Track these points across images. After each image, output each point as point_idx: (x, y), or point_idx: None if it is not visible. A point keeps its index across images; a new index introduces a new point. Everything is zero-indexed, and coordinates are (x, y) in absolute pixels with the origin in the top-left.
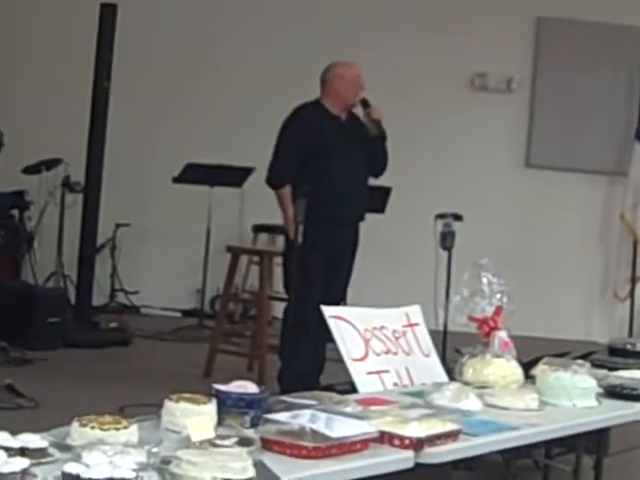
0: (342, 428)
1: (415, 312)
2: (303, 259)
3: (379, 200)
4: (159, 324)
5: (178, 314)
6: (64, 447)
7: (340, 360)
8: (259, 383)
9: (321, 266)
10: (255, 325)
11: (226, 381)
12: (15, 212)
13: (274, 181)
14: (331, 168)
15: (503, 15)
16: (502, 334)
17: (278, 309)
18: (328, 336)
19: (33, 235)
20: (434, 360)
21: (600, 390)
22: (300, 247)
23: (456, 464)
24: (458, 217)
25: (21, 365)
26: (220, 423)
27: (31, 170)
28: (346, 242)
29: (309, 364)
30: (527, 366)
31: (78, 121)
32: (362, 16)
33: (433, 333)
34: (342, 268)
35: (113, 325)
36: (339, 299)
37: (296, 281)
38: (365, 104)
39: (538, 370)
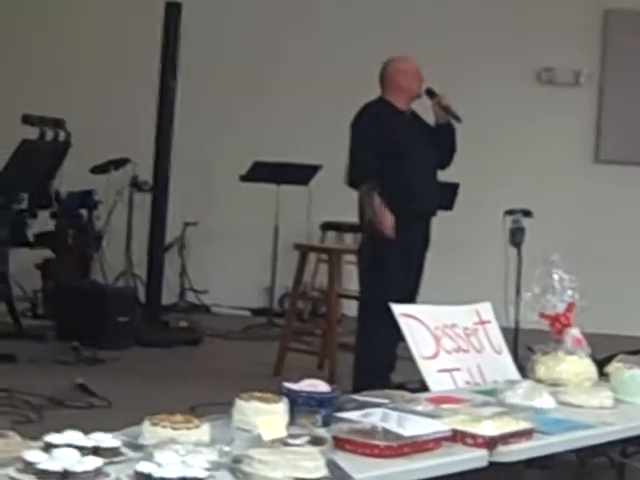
0: (414, 427)
1: (486, 309)
2: (381, 256)
3: (447, 197)
4: (229, 323)
5: (247, 313)
6: (136, 446)
7: (411, 358)
8: (330, 382)
9: (399, 262)
10: (325, 323)
11: (296, 380)
12: (84, 212)
13: (358, 179)
14: (406, 163)
15: (570, 8)
16: (574, 331)
17: (347, 307)
18: (399, 334)
19: (102, 234)
20: (506, 358)
21: None
22: (376, 244)
23: (529, 463)
24: (527, 213)
25: (92, 365)
26: (291, 422)
27: (99, 170)
28: (419, 238)
29: (382, 363)
30: (601, 363)
31: (145, 120)
32: (425, 12)
33: (504, 330)
34: (415, 264)
35: (183, 324)
36: (413, 296)
37: (375, 278)
38: (431, 93)
39: (612, 367)
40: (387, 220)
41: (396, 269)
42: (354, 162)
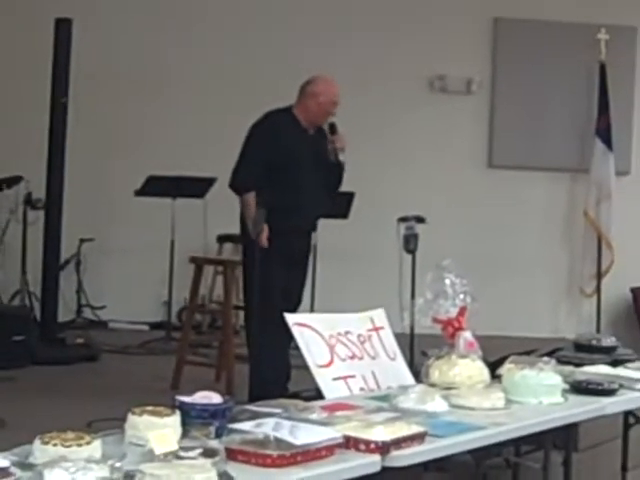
0: (306, 435)
1: (380, 316)
2: (263, 266)
3: (342, 205)
4: (127, 338)
5: (146, 327)
6: (26, 466)
7: (306, 367)
8: (227, 393)
9: (280, 273)
10: (222, 335)
11: (194, 392)
12: None
13: (239, 186)
14: (294, 179)
15: (461, 16)
16: (467, 334)
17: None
18: (286, 341)
19: None
20: (400, 363)
21: (566, 386)
22: (260, 255)
23: (427, 466)
24: (421, 220)
25: None
26: (185, 435)
27: None
28: (301, 250)
29: (275, 371)
30: (493, 366)
31: (37, 138)
32: (323, 17)
33: (399, 336)
34: (297, 276)
35: (80, 341)
36: (296, 306)
37: (257, 289)
38: (332, 129)
39: (504, 369)
40: (263, 232)
41: (276, 279)
42: (241, 168)
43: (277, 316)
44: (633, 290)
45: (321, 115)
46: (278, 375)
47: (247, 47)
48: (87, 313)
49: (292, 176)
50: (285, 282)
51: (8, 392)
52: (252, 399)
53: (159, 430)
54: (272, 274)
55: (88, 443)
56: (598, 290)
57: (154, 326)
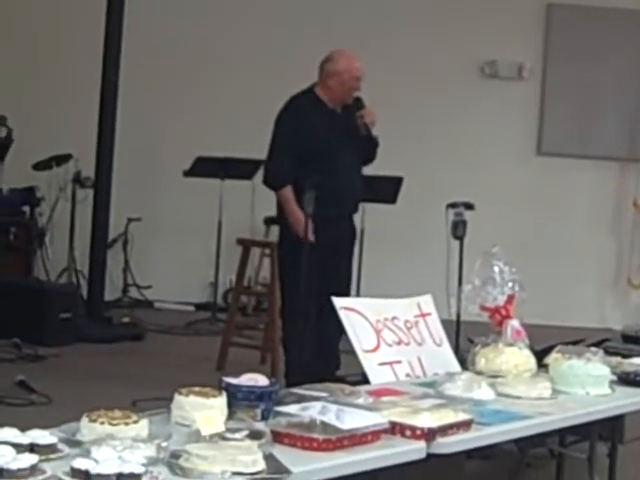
0: (352, 420)
1: (427, 302)
2: (297, 255)
3: (390, 190)
4: (172, 318)
5: (191, 308)
6: (74, 443)
7: (353, 352)
8: (272, 375)
9: (315, 260)
10: (267, 317)
11: (239, 374)
12: (26, 208)
13: (273, 182)
14: (328, 163)
15: (513, 2)
16: (514, 323)
17: None
18: (340, 328)
19: (45, 231)
20: (446, 350)
21: (614, 377)
22: (293, 243)
23: (470, 453)
24: (469, 206)
25: (34, 362)
26: (231, 416)
27: (41, 166)
28: (344, 236)
29: (311, 355)
30: (540, 354)
31: (88, 116)
32: (370, 3)
33: (445, 323)
34: (341, 262)
35: (126, 320)
36: (343, 294)
37: (288, 275)
38: (358, 104)
39: (551, 358)
40: (300, 223)
41: (311, 269)
42: (272, 163)
43: (311, 302)
44: None
45: (345, 93)
46: (311, 360)
47: (294, 28)
48: (133, 292)
49: (326, 161)
50: (328, 271)
51: (54, 370)
52: (289, 383)
53: (206, 411)
54: (304, 261)
55: (135, 422)
56: None
57: (200, 307)
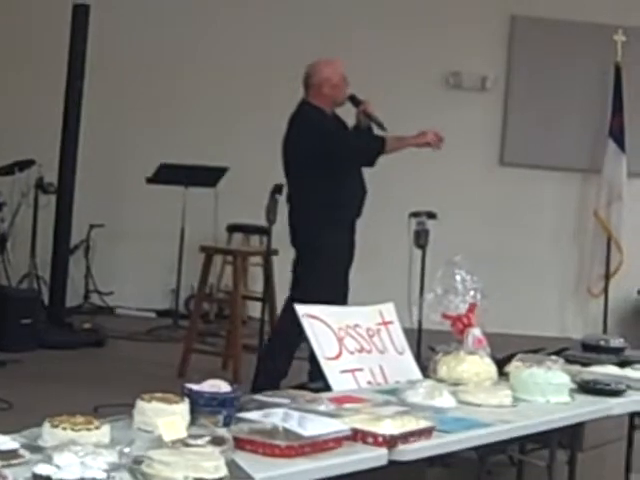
0: (315, 426)
1: (389, 310)
2: (323, 262)
3: None
4: (134, 324)
5: (153, 314)
6: (35, 448)
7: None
8: (234, 382)
9: (341, 270)
10: (229, 324)
11: (201, 381)
12: None
13: (376, 146)
14: (341, 169)
15: (477, 14)
16: (476, 331)
17: (253, 309)
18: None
19: (6, 237)
20: (408, 358)
21: (574, 386)
22: (316, 252)
23: (431, 461)
24: (432, 215)
25: None
26: (193, 422)
27: (4, 171)
28: (348, 244)
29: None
30: (501, 363)
31: (51, 122)
32: (337, 14)
33: (407, 331)
34: (348, 267)
35: (87, 326)
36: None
37: (315, 285)
38: (355, 101)
39: (512, 367)
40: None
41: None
42: (346, 139)
43: None
44: None
45: (341, 94)
46: (285, 369)
47: (264, 38)
48: (95, 299)
49: (339, 169)
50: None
51: (15, 375)
52: (255, 389)
53: (168, 417)
54: (330, 275)
55: (97, 428)
56: (606, 291)
57: (161, 313)
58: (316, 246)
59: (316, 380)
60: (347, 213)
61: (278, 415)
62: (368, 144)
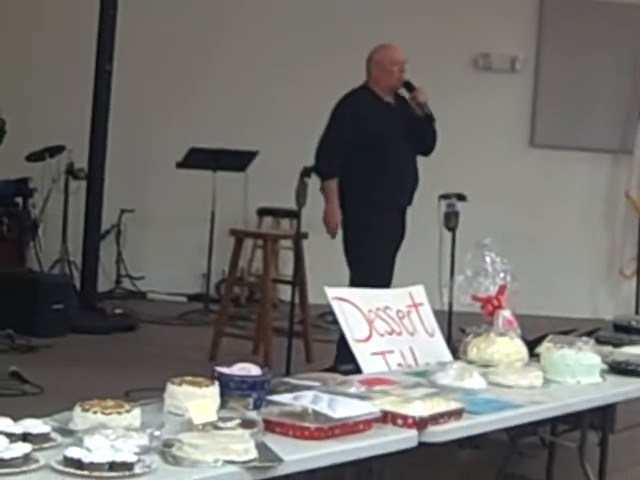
0: (344, 409)
1: (419, 292)
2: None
3: None
4: (165, 309)
5: (184, 299)
6: (67, 432)
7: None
8: (264, 365)
9: (388, 250)
10: (260, 308)
11: (231, 364)
12: (19, 200)
13: (322, 172)
14: (383, 155)
15: None
16: (506, 313)
17: (283, 292)
18: None
19: (37, 222)
20: (438, 340)
21: (605, 367)
22: (362, 234)
23: (462, 443)
24: (462, 197)
25: (26, 352)
26: (223, 406)
27: (35, 157)
28: (396, 227)
29: None
30: (532, 344)
31: (81, 108)
32: None
33: (437, 313)
34: (396, 251)
35: (118, 311)
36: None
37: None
38: (409, 87)
39: (543, 348)
40: (335, 218)
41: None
42: (324, 153)
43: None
44: None
45: (391, 79)
46: None
47: (294, 23)
48: (126, 283)
49: (381, 153)
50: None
51: (47, 360)
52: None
53: (198, 400)
54: (379, 251)
55: (128, 411)
56: (638, 272)
57: (192, 298)
58: (360, 225)
59: (344, 364)
60: (388, 197)
61: (308, 397)
62: (318, 166)
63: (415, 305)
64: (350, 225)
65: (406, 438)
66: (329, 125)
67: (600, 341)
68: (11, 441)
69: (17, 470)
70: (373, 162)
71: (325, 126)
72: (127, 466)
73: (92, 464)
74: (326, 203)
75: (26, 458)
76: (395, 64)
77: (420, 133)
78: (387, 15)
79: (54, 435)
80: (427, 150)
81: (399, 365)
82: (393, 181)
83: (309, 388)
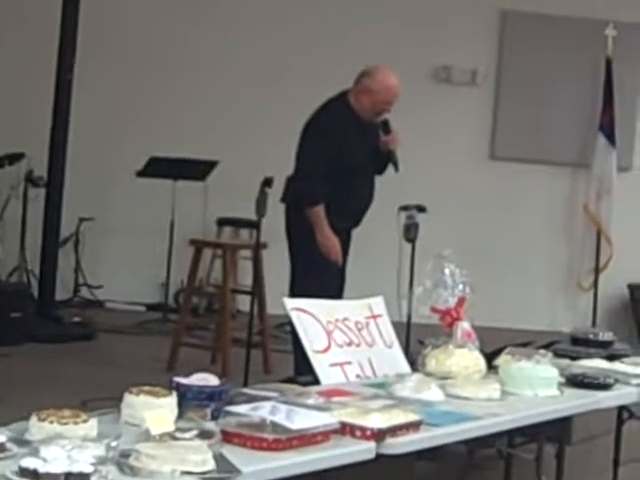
0: (303, 420)
1: (378, 303)
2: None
3: None
4: (123, 318)
5: (142, 308)
6: (22, 442)
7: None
8: (222, 375)
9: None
10: (219, 318)
11: (189, 374)
12: None
13: (309, 200)
14: (347, 176)
15: (468, 8)
16: (465, 325)
17: (242, 302)
18: None
19: None
20: (397, 351)
21: (562, 380)
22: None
23: (420, 454)
24: (422, 209)
25: None
26: (181, 416)
27: None
28: (346, 245)
29: None
30: (490, 356)
31: (41, 115)
32: (329, 7)
33: (396, 325)
34: (344, 268)
35: (77, 319)
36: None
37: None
38: (385, 127)
39: (501, 360)
40: (335, 246)
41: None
42: (306, 181)
43: None
44: (630, 286)
45: (374, 113)
46: None
47: (256, 33)
48: (84, 292)
49: (348, 174)
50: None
51: (4, 368)
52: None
53: (155, 410)
54: (330, 273)
55: (84, 421)
56: (595, 285)
57: (151, 307)
58: (306, 239)
59: (302, 374)
60: (340, 222)
61: (266, 408)
62: (305, 193)
63: (374, 316)
64: (297, 238)
65: (364, 450)
66: (308, 142)
67: (558, 354)
68: None
69: None
70: (338, 187)
71: (303, 143)
72: (84, 477)
73: (48, 474)
74: (317, 232)
75: None
76: (387, 105)
77: (380, 162)
78: (350, 26)
79: (10, 445)
80: (380, 172)
81: (357, 376)
82: (350, 208)
83: (267, 399)
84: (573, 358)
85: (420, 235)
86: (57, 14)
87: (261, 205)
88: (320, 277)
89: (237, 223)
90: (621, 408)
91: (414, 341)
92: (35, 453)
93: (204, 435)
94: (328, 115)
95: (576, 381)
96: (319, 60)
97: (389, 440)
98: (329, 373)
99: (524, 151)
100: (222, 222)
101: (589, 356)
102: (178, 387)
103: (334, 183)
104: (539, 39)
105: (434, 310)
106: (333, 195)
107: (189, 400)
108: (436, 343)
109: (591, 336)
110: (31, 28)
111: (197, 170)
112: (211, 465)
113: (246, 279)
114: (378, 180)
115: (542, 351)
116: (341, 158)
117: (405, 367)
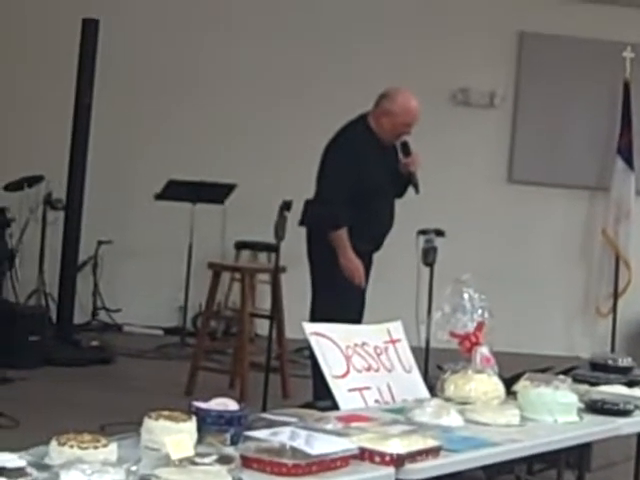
0: (322, 445)
1: (397, 328)
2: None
3: None
4: (141, 342)
5: (160, 332)
6: (42, 466)
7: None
8: (240, 400)
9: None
10: (237, 342)
11: (208, 399)
12: None
13: (332, 225)
14: (372, 203)
15: (486, 30)
16: (484, 350)
17: (260, 326)
18: None
19: (14, 253)
20: (416, 376)
21: (582, 405)
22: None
23: None
24: (440, 233)
25: (1, 384)
26: (200, 441)
27: (13, 187)
28: (367, 269)
29: None
30: (509, 382)
31: (60, 138)
32: (343, 30)
33: (415, 349)
34: (365, 292)
35: (95, 343)
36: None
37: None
38: (405, 149)
39: (520, 386)
40: (358, 270)
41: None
42: (329, 205)
43: None
44: None
45: (394, 136)
46: None
47: (272, 57)
48: (103, 316)
49: (370, 197)
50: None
51: (22, 392)
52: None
53: (175, 435)
54: (352, 297)
55: (104, 446)
56: (614, 310)
57: (169, 331)
58: (329, 264)
59: (321, 399)
60: (363, 246)
61: (285, 434)
62: (328, 216)
63: (393, 341)
64: (319, 262)
65: (383, 475)
66: (328, 167)
67: (577, 379)
68: None
69: None
70: (359, 210)
71: (324, 166)
72: None
73: None
74: (341, 255)
75: None
76: (407, 127)
77: (402, 185)
78: (368, 48)
79: (30, 470)
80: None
81: (376, 401)
82: (371, 231)
83: (286, 424)
84: (592, 384)
85: (438, 259)
86: (76, 38)
87: (280, 228)
88: (342, 301)
89: (255, 246)
90: None
91: (433, 366)
92: (55, 478)
93: (224, 460)
94: (348, 138)
95: (596, 407)
96: (337, 82)
97: (408, 466)
98: (348, 398)
99: (542, 174)
100: (240, 245)
101: (608, 382)
102: (197, 412)
103: (355, 206)
104: (557, 61)
105: (453, 335)
106: (354, 218)
107: (208, 425)
108: (455, 368)
109: (610, 362)
110: (50, 51)
111: (216, 193)
112: None
113: (264, 303)
114: (396, 203)
115: (561, 377)
116: (362, 181)
117: (424, 392)
